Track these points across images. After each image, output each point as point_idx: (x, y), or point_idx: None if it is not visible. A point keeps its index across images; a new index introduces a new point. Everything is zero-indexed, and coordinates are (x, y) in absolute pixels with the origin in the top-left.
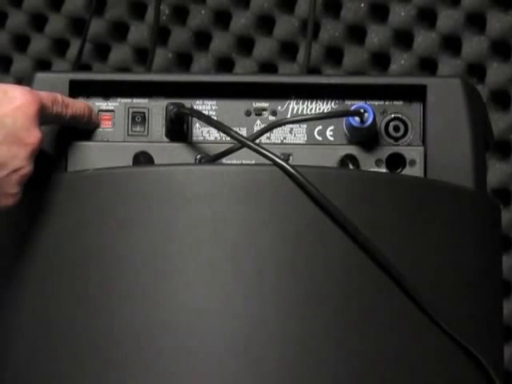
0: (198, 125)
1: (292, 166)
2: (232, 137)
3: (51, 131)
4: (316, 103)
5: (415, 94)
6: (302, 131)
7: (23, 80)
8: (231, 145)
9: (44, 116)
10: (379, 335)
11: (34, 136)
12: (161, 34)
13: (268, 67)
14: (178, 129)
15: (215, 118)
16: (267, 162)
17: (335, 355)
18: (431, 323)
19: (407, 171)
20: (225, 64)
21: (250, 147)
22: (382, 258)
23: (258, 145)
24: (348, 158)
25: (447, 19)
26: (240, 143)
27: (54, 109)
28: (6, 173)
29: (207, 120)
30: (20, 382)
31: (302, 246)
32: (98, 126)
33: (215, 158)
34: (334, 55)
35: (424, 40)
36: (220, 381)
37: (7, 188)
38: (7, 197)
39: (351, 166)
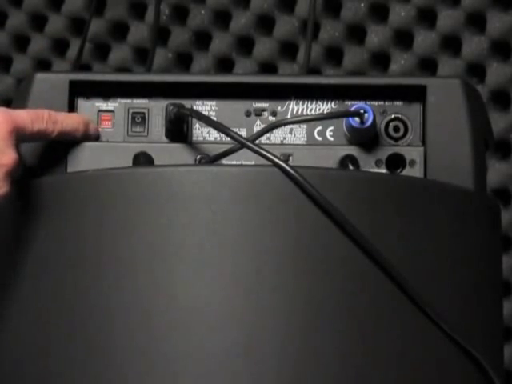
0: (197, 125)
1: (292, 167)
2: (232, 137)
3: None
4: (316, 104)
5: (415, 95)
6: (302, 132)
7: (23, 80)
8: (231, 145)
9: (22, 135)
10: (379, 336)
11: (7, 157)
12: (161, 34)
13: (268, 67)
14: (178, 129)
15: (215, 118)
16: (267, 162)
17: (335, 356)
18: (431, 324)
19: (407, 171)
20: (225, 64)
21: (249, 148)
22: (382, 259)
23: (257, 145)
24: (348, 159)
25: (447, 19)
26: (240, 144)
27: (36, 127)
28: None
29: (207, 120)
30: (16, 381)
31: (302, 247)
32: (97, 138)
33: (215, 159)
34: (334, 55)
35: (424, 40)
36: (220, 381)
37: None
38: None
39: (351, 167)
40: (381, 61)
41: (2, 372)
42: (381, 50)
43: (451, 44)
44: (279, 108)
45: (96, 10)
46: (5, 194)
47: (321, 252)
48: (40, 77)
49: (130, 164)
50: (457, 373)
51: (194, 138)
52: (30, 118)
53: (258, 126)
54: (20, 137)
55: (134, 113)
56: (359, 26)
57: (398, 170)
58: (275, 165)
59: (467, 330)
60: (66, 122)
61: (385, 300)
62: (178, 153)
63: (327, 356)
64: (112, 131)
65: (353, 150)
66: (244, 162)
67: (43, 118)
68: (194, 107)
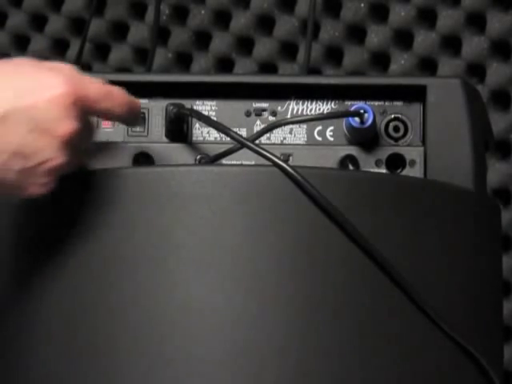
0: (197, 125)
1: (292, 167)
2: (232, 137)
3: None
4: (316, 103)
5: (415, 95)
6: (302, 132)
7: None
8: (231, 145)
9: (87, 110)
10: (379, 336)
11: (65, 127)
12: (161, 34)
13: (268, 67)
14: (178, 129)
15: (215, 118)
16: (267, 162)
17: (335, 356)
18: (431, 324)
19: (407, 172)
20: (225, 64)
21: (249, 148)
22: (382, 260)
23: (257, 145)
24: (348, 159)
25: (447, 19)
26: (240, 144)
27: (103, 105)
28: (32, 164)
29: (207, 120)
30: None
31: (302, 247)
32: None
33: (215, 159)
34: (334, 55)
35: (424, 40)
36: (220, 381)
37: (35, 178)
38: (37, 186)
39: (351, 167)
40: (381, 61)
41: (2, 372)
42: (381, 50)
43: (451, 44)
44: (279, 108)
45: (96, 9)
46: (60, 164)
47: (321, 252)
48: None
49: (130, 164)
50: (457, 373)
51: (194, 138)
52: (102, 93)
53: (258, 126)
54: (85, 110)
55: None
56: (359, 26)
57: (398, 170)
58: (275, 165)
59: (467, 329)
60: (132, 106)
61: (385, 300)
62: (178, 153)
63: (327, 356)
64: (112, 131)
65: (353, 150)
66: (244, 162)
67: (113, 97)
68: (194, 107)
